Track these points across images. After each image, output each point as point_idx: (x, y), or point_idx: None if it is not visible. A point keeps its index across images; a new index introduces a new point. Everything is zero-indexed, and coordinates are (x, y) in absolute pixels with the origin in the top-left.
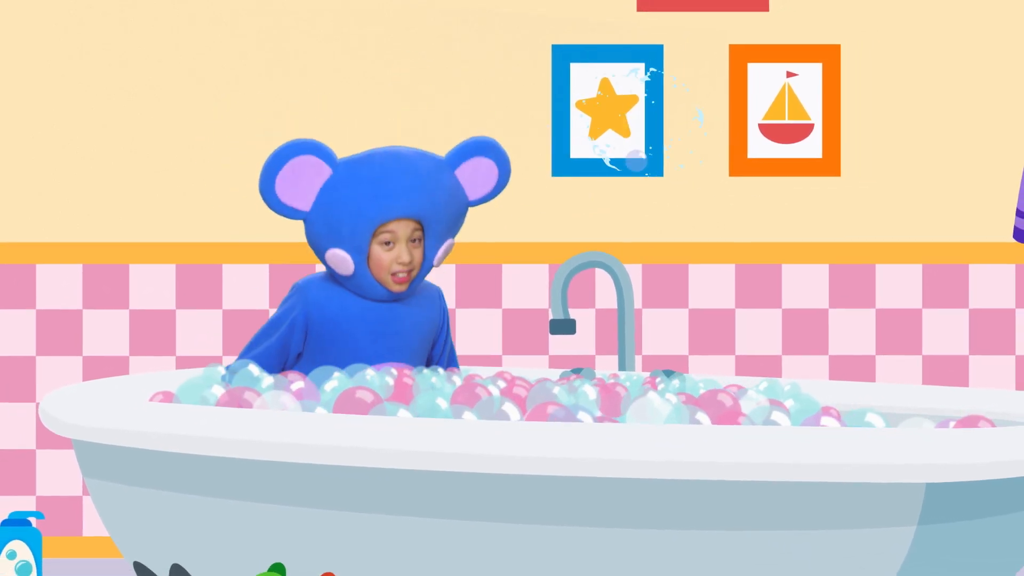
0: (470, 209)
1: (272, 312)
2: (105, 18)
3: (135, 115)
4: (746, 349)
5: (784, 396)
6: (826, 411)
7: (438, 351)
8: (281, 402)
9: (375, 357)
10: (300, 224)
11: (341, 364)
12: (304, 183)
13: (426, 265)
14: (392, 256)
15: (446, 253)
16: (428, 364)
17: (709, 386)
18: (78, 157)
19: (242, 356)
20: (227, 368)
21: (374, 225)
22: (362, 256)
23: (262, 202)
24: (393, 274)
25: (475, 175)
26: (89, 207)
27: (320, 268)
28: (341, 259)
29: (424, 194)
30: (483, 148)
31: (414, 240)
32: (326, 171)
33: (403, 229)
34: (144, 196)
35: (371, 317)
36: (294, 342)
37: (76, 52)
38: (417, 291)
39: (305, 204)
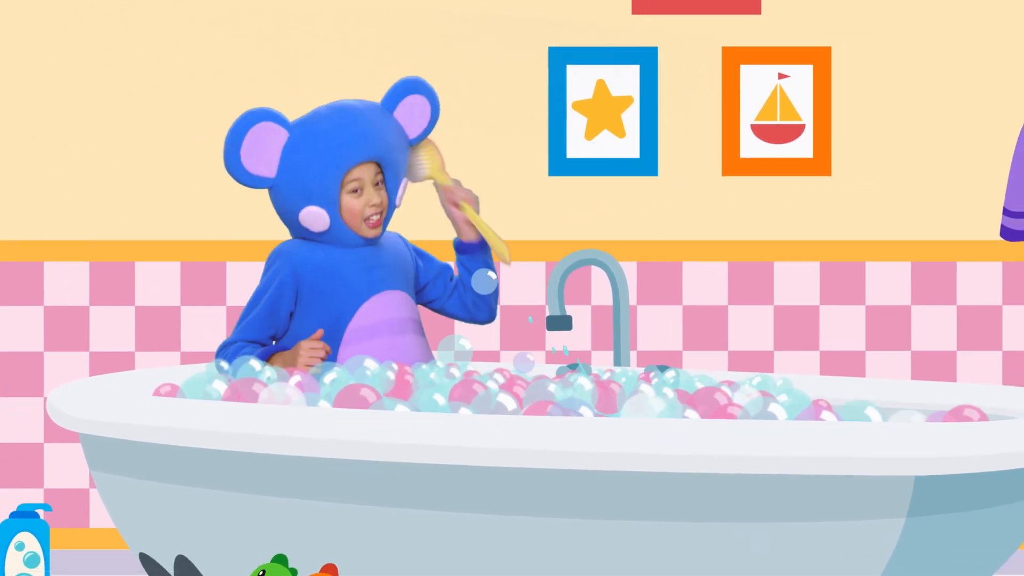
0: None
1: None
2: (109, 18)
3: (140, 116)
4: (739, 345)
5: (776, 392)
6: (817, 404)
7: (429, 273)
8: (286, 394)
9: (368, 290)
10: None
11: (339, 308)
12: (265, 151)
13: (391, 205)
14: (363, 201)
15: (404, 190)
16: (427, 289)
17: (703, 381)
18: (84, 157)
19: (235, 329)
20: (220, 347)
21: (341, 174)
22: (335, 208)
23: (232, 178)
24: (366, 219)
25: (411, 113)
26: (95, 206)
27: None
28: (316, 215)
29: (378, 136)
30: (413, 87)
31: (377, 184)
32: (283, 134)
33: (367, 173)
34: (149, 195)
35: (355, 257)
36: (284, 302)
37: (80, 53)
38: (383, 235)
39: (270, 171)
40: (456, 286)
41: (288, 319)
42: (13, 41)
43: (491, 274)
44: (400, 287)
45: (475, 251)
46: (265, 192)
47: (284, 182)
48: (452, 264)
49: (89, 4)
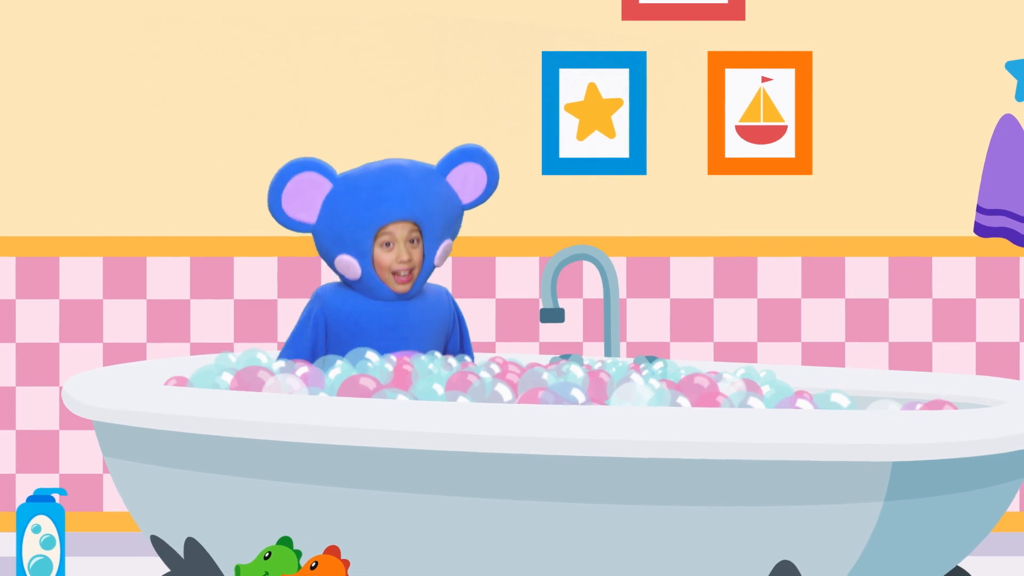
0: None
1: (287, 309)
2: (123, 20)
3: (152, 117)
4: (724, 336)
5: (760, 382)
6: (799, 395)
7: (454, 347)
8: (289, 384)
9: (387, 348)
10: None
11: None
12: (307, 198)
13: (427, 265)
14: (392, 256)
15: (445, 254)
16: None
17: (689, 371)
18: (98, 157)
19: (282, 353)
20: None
21: (374, 228)
22: (367, 259)
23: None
24: (395, 273)
25: (466, 180)
26: (109, 203)
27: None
28: (348, 264)
29: (417, 197)
30: (471, 155)
31: (412, 241)
32: (326, 185)
33: (401, 231)
34: (160, 193)
35: (382, 314)
36: (320, 339)
37: (98, 57)
38: (425, 292)
39: (311, 217)
40: None
41: (324, 352)
42: (33, 45)
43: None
44: (421, 348)
45: None
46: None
47: (323, 229)
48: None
49: (109, 6)
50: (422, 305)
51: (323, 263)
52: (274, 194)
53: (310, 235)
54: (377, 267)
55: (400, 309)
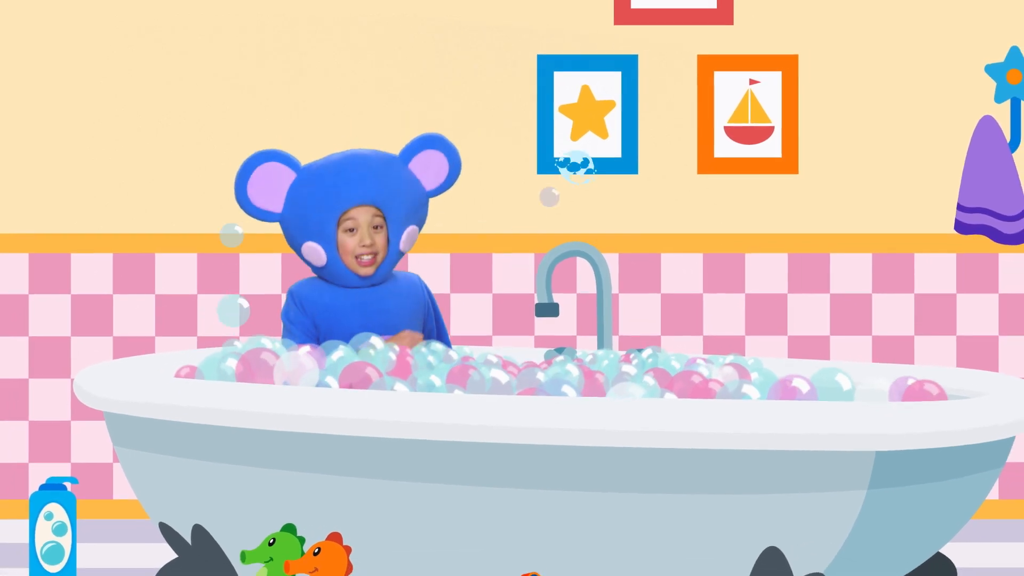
0: (455, 204)
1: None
2: (132, 19)
3: (160, 119)
4: (713, 330)
5: (749, 369)
6: (784, 382)
7: (429, 331)
8: (299, 361)
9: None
10: None
11: None
12: (272, 188)
13: (392, 250)
14: (356, 241)
15: (411, 239)
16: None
17: (680, 360)
18: (108, 156)
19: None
20: None
21: (337, 213)
22: (331, 245)
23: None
24: (357, 257)
25: (428, 167)
26: (118, 201)
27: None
28: (314, 250)
29: (378, 182)
30: (432, 142)
31: (376, 227)
32: (290, 175)
33: (363, 215)
34: (168, 192)
35: (358, 302)
36: (311, 337)
37: (106, 58)
38: (397, 278)
39: (276, 206)
40: None
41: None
42: (47, 45)
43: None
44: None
45: None
46: None
47: (288, 217)
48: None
49: (114, 9)
50: (396, 292)
51: None
52: (240, 185)
53: (278, 225)
54: (341, 252)
55: (375, 296)
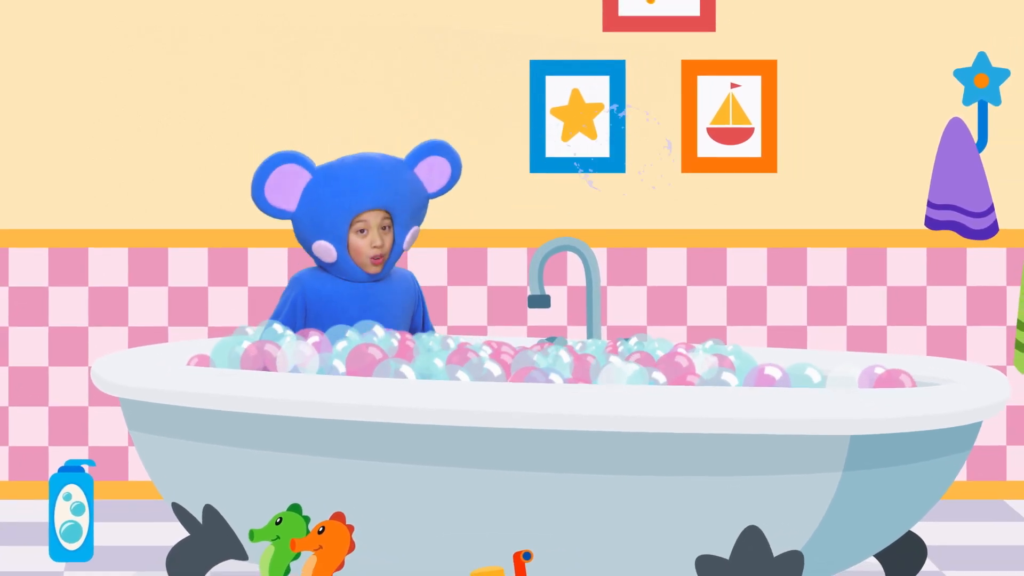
0: (453, 201)
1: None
2: (143, 16)
3: (175, 119)
4: (696, 321)
5: (727, 354)
6: (761, 370)
7: (417, 323)
8: (301, 351)
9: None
10: None
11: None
12: (288, 188)
13: (396, 249)
14: (367, 242)
15: (413, 238)
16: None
17: (664, 347)
18: (124, 155)
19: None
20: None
21: (350, 216)
22: (342, 244)
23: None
24: (371, 258)
25: (431, 171)
26: (133, 199)
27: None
28: (325, 248)
29: (389, 188)
30: (436, 149)
31: (384, 228)
32: (306, 176)
33: (374, 218)
34: (181, 189)
35: (358, 294)
36: (297, 321)
37: (118, 59)
38: (393, 274)
39: (291, 205)
40: None
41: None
42: (65, 43)
43: None
44: (392, 324)
45: None
46: None
47: (302, 216)
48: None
49: (133, 15)
50: (392, 286)
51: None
52: (257, 184)
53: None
54: (352, 251)
55: (373, 289)
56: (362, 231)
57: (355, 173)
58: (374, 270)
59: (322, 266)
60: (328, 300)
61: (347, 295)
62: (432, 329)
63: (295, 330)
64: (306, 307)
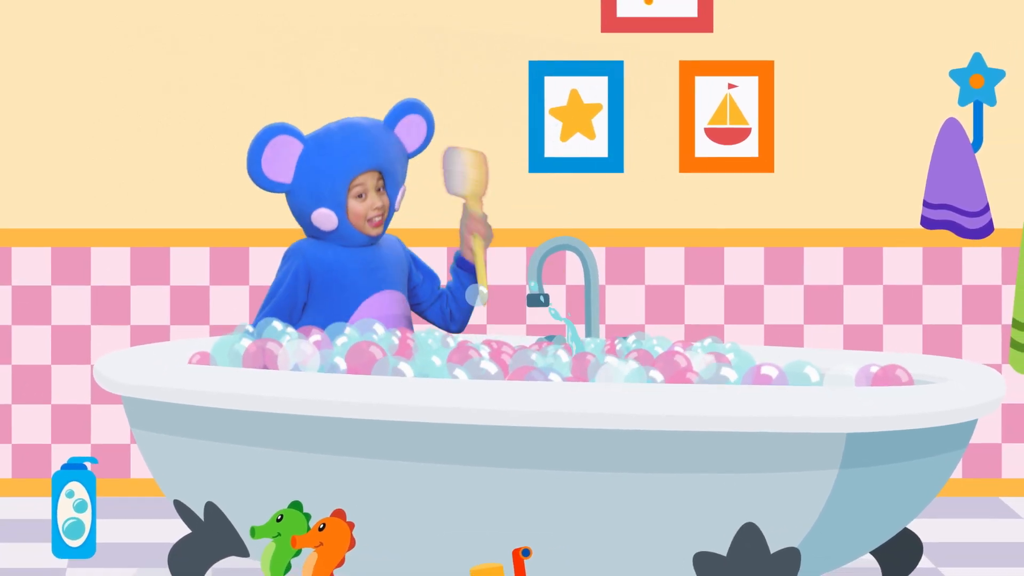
0: (452, 201)
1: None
2: (143, 16)
3: (176, 120)
4: (694, 319)
5: (725, 352)
6: (758, 370)
7: (417, 277)
8: (302, 349)
9: (369, 289)
10: None
11: (344, 301)
12: (283, 160)
13: (391, 209)
14: (367, 204)
15: (402, 197)
16: (416, 291)
17: (662, 346)
18: (125, 155)
19: (258, 315)
20: (252, 326)
21: (348, 180)
22: (342, 210)
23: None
24: (369, 220)
25: (409, 130)
26: (135, 198)
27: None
28: (326, 216)
29: (380, 148)
30: (412, 107)
31: (379, 189)
32: (298, 146)
33: (370, 180)
34: (182, 188)
35: (360, 258)
36: (299, 292)
37: (117, 58)
38: (384, 238)
39: (287, 177)
40: (440, 296)
41: (302, 310)
42: (67, 44)
43: (483, 289)
44: (396, 287)
45: (471, 270)
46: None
47: (299, 187)
48: (440, 276)
49: (136, 14)
50: (387, 249)
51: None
52: (253, 160)
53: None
54: (352, 216)
55: (373, 253)
56: (360, 195)
57: (347, 138)
58: (374, 232)
59: (318, 236)
60: (331, 267)
61: (349, 260)
62: (436, 277)
63: (298, 300)
64: (309, 276)
